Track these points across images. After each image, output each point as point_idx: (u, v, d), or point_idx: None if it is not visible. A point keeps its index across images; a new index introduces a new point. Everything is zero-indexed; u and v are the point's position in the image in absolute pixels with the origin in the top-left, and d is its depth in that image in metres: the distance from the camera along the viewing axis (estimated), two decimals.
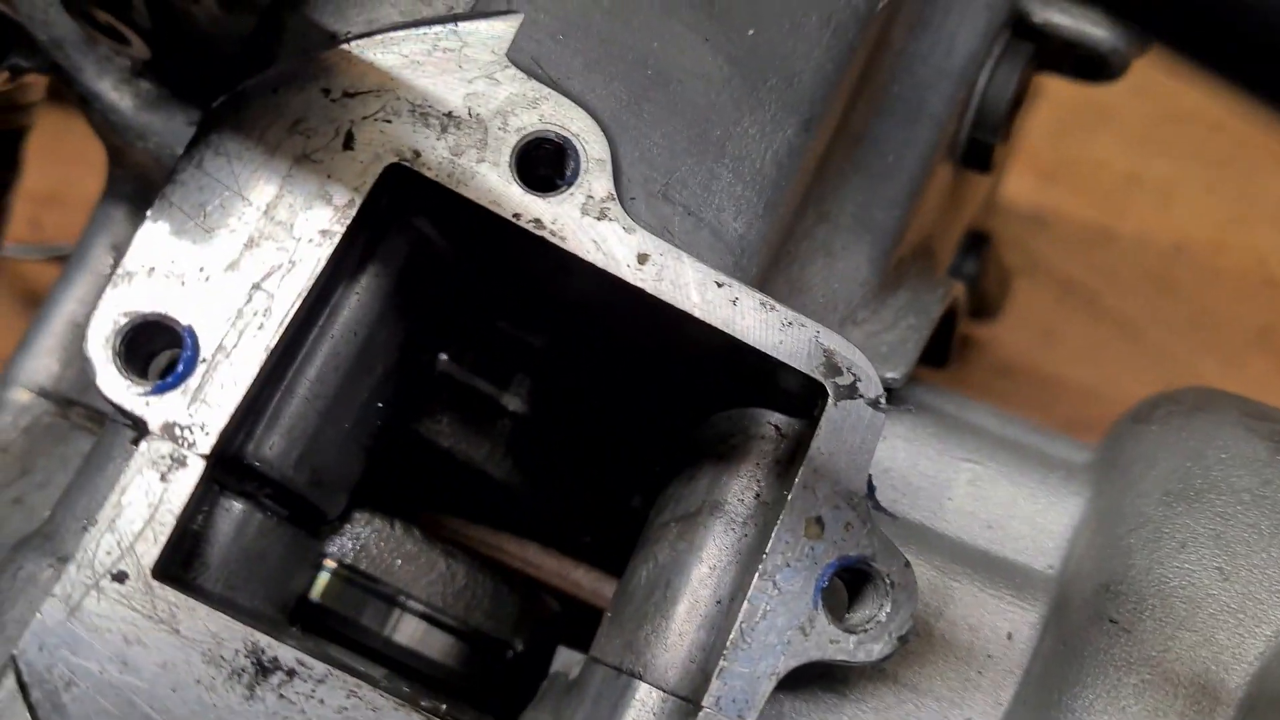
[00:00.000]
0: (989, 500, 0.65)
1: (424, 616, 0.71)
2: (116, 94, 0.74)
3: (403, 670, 0.70)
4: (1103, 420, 0.71)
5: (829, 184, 0.66)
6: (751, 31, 0.60)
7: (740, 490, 0.58)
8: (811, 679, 0.61)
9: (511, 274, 0.61)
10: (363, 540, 0.68)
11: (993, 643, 0.60)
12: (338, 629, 0.68)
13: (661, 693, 0.55)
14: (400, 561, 0.69)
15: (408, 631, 0.70)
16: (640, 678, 0.56)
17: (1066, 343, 1.19)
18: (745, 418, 0.60)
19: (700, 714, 0.52)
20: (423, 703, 0.56)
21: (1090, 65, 0.76)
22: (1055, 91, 0.92)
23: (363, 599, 0.69)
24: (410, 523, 0.69)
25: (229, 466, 0.55)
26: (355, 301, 0.57)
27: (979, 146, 0.73)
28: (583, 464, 0.76)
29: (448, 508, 0.79)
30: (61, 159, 0.94)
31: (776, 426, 0.58)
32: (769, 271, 0.62)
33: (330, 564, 0.68)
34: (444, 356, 0.72)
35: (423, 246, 0.59)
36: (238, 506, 0.55)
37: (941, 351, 0.88)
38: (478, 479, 0.72)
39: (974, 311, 1.09)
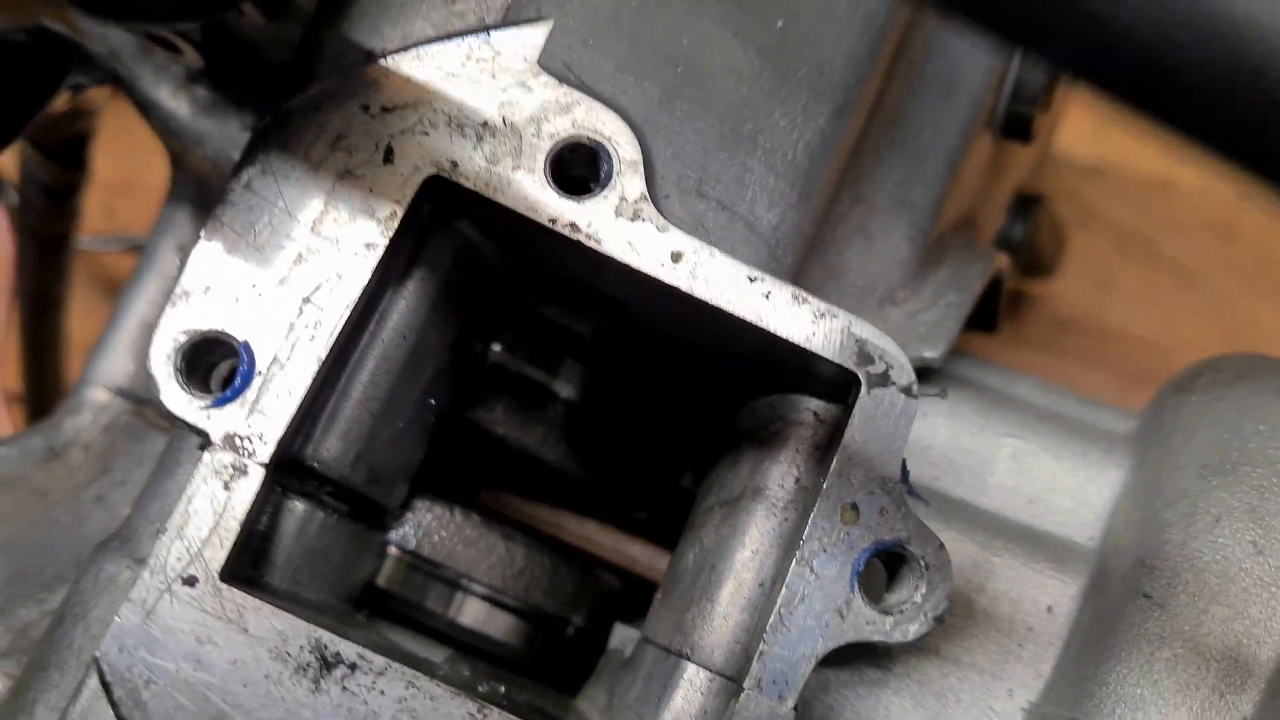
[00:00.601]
0: (1031, 474, 0.66)
1: (486, 598, 0.74)
2: (174, 101, 0.77)
3: (468, 649, 0.73)
4: (1161, 371, 0.71)
5: (864, 167, 0.66)
6: (781, 23, 0.60)
7: (780, 476, 0.59)
8: (856, 654, 0.63)
9: (554, 270, 0.62)
10: (424, 527, 0.71)
11: (1034, 616, 0.62)
12: (404, 612, 0.71)
13: (709, 672, 0.57)
14: (461, 546, 0.72)
15: (471, 612, 0.73)
16: (688, 658, 0.58)
17: (1124, 294, 1.19)
18: (785, 404, 0.61)
19: (741, 695, 0.54)
20: (480, 688, 0.59)
21: None
22: None
23: (427, 583, 0.72)
24: (469, 508, 0.72)
25: (290, 469, 0.58)
26: (403, 306, 0.60)
27: (1018, 118, 0.74)
28: (633, 446, 0.78)
29: (508, 488, 0.82)
30: (132, 148, 0.97)
31: (815, 413, 0.60)
32: (805, 259, 0.63)
33: (394, 551, 0.71)
34: (496, 347, 0.74)
35: (467, 249, 0.61)
36: (300, 507, 0.58)
37: (989, 318, 0.89)
38: (533, 462, 0.75)
39: (1028, 269, 1.09)
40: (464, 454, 0.73)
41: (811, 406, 0.60)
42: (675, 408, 0.73)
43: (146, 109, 0.78)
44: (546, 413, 0.75)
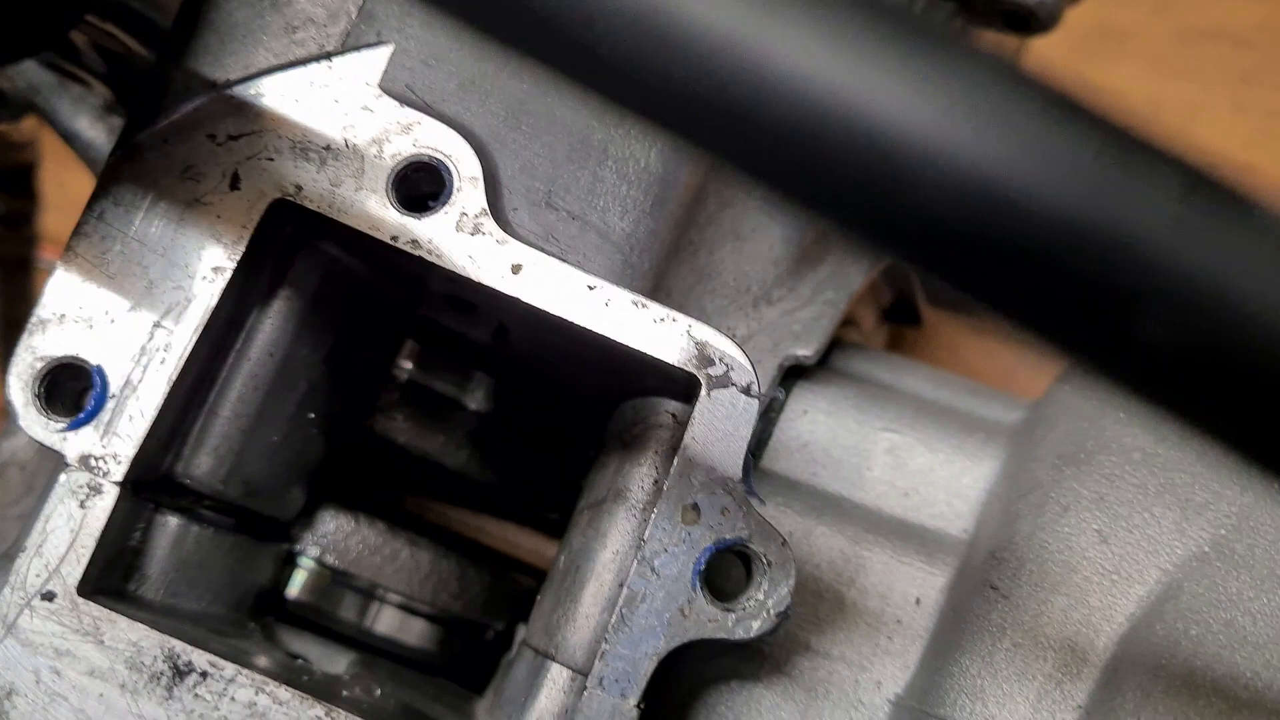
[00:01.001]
0: (906, 468, 0.66)
1: (401, 606, 0.76)
2: (92, 130, 0.80)
3: (384, 655, 0.75)
4: None
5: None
6: None
7: (640, 478, 0.61)
8: (731, 649, 0.64)
9: (420, 284, 0.64)
10: (328, 536, 0.73)
11: (902, 608, 0.62)
12: (317, 621, 0.73)
13: (571, 672, 0.59)
14: (366, 553, 0.74)
15: (386, 620, 0.75)
16: (553, 658, 0.60)
17: None
18: (646, 407, 0.63)
19: (584, 693, 0.55)
20: (349, 692, 0.61)
21: (1018, 19, 0.75)
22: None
23: (339, 592, 0.74)
24: (377, 515, 0.74)
25: (162, 486, 0.61)
26: (269, 325, 0.62)
27: None
28: (541, 451, 0.80)
29: (431, 495, 0.84)
30: None
31: (674, 415, 0.61)
32: (668, 262, 0.64)
33: (304, 561, 0.73)
34: (408, 364, 0.76)
35: (334, 267, 0.63)
36: (174, 521, 0.61)
37: (912, 312, 0.89)
38: (437, 469, 0.77)
39: None
40: (371, 462, 0.76)
41: (670, 409, 0.61)
42: (571, 412, 0.74)
43: (68, 138, 0.81)
44: (452, 421, 0.77)
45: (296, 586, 0.72)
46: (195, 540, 0.62)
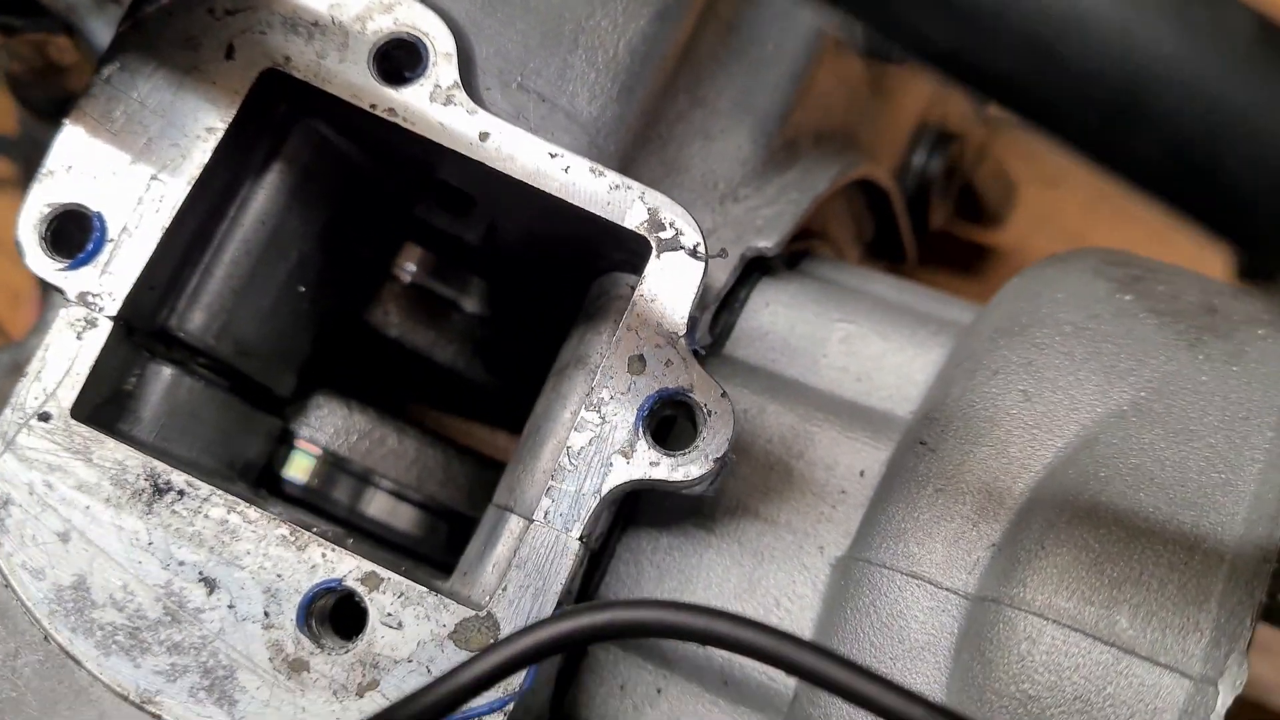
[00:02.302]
0: (859, 355, 0.70)
1: (392, 493, 0.80)
2: None
3: (376, 540, 0.79)
4: None
5: (704, 71, 0.71)
6: None
7: (600, 344, 0.65)
8: (683, 517, 0.68)
9: (407, 166, 0.69)
10: (322, 420, 0.78)
11: (847, 480, 0.66)
12: (310, 501, 0.78)
13: (526, 521, 0.62)
14: (356, 438, 0.79)
15: (377, 505, 0.80)
16: (512, 510, 0.63)
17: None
18: (609, 281, 0.67)
19: (530, 525, 0.59)
20: (317, 529, 0.65)
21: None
22: None
23: (333, 475, 0.79)
24: (365, 404, 0.79)
25: (158, 337, 0.66)
26: (262, 195, 0.67)
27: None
28: (532, 354, 0.84)
29: (420, 398, 0.88)
30: None
31: (632, 286, 0.65)
32: (635, 151, 0.68)
33: (299, 442, 0.78)
34: (411, 266, 0.81)
35: (325, 146, 0.68)
36: (167, 371, 0.66)
37: (897, 246, 0.92)
38: (429, 366, 0.81)
39: (976, 218, 1.11)
40: (364, 356, 0.80)
41: (630, 281, 0.65)
42: (556, 310, 0.78)
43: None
44: (447, 320, 0.81)
45: (291, 466, 0.77)
46: (188, 391, 0.66)
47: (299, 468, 0.77)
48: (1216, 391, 0.58)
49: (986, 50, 0.26)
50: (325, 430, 0.77)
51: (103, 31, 0.88)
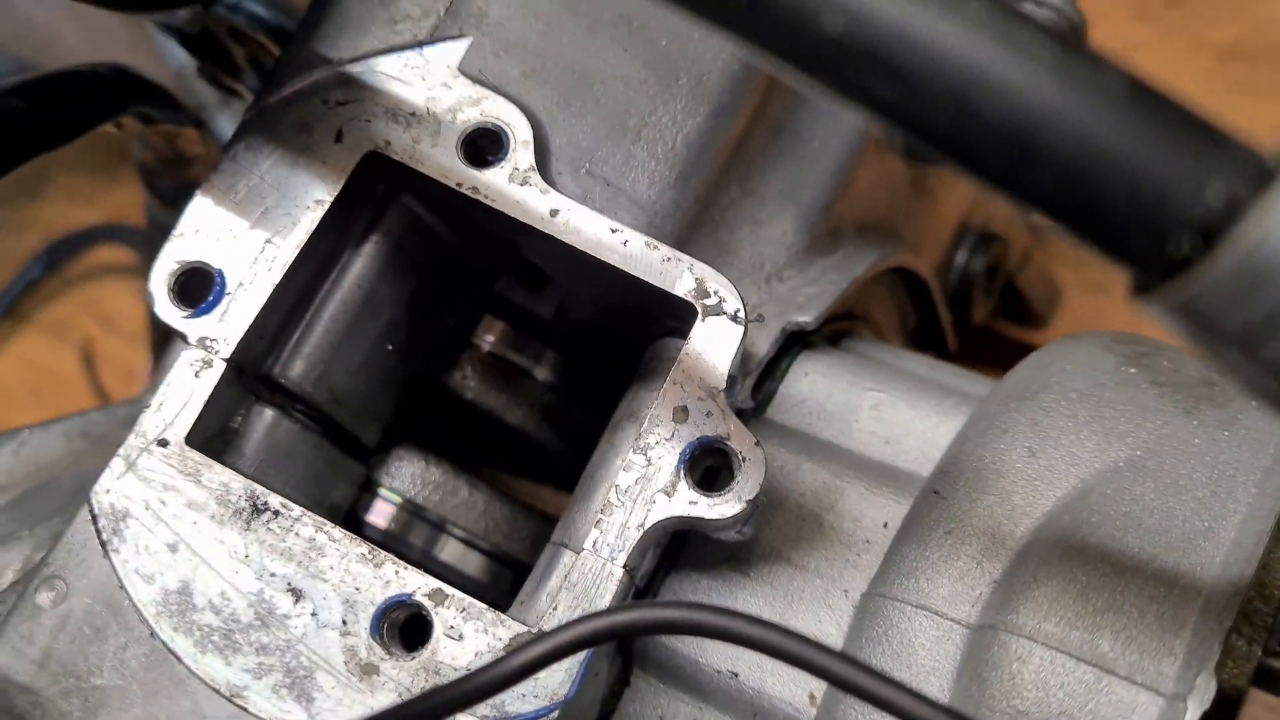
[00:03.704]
0: (888, 421, 0.76)
1: (461, 539, 0.88)
2: None
3: (446, 582, 0.86)
4: None
5: (753, 164, 0.80)
6: (664, 42, 0.76)
7: (649, 399, 0.72)
8: (721, 560, 0.74)
9: (488, 242, 0.78)
10: (403, 470, 0.86)
11: (871, 530, 0.72)
12: (388, 545, 0.86)
13: (576, 554, 0.69)
14: (432, 489, 0.86)
15: (449, 551, 0.88)
16: (567, 546, 0.71)
17: None
18: (661, 345, 0.74)
19: (580, 554, 0.66)
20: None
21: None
22: None
23: (410, 521, 0.87)
24: (441, 458, 0.87)
25: (263, 382, 0.75)
26: (359, 262, 0.76)
27: None
28: (598, 421, 0.91)
29: (498, 467, 0.96)
30: None
31: (680, 349, 0.73)
32: (690, 233, 0.77)
33: (382, 491, 0.86)
34: (490, 338, 0.90)
35: (416, 222, 0.77)
36: (269, 413, 0.74)
37: (938, 337, 0.99)
38: (502, 428, 0.89)
39: (1022, 319, 1.18)
40: (441, 416, 0.89)
41: (680, 345, 0.73)
42: (615, 375, 0.86)
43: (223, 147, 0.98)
44: (520, 386, 0.90)
45: (373, 511, 0.85)
46: (286, 432, 0.75)
47: (380, 513, 0.85)
48: (1207, 452, 0.63)
49: (916, 103, 0.33)
50: (404, 480, 0.85)
51: (226, 125, 1.00)
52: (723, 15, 0.35)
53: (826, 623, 0.70)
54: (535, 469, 0.96)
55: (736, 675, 0.70)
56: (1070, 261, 1.28)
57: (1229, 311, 0.35)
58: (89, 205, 1.70)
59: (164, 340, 1.24)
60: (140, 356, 1.60)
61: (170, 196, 1.12)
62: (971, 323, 1.06)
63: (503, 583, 0.88)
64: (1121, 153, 0.32)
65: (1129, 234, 0.34)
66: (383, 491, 0.86)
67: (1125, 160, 0.32)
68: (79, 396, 1.60)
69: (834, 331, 0.84)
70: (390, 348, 0.80)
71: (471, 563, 0.88)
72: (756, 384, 0.78)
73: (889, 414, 0.76)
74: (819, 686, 0.68)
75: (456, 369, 0.87)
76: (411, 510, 0.86)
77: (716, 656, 0.71)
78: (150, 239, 1.16)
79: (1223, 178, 0.34)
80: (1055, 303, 1.17)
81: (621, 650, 0.74)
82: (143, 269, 1.52)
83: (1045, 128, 0.32)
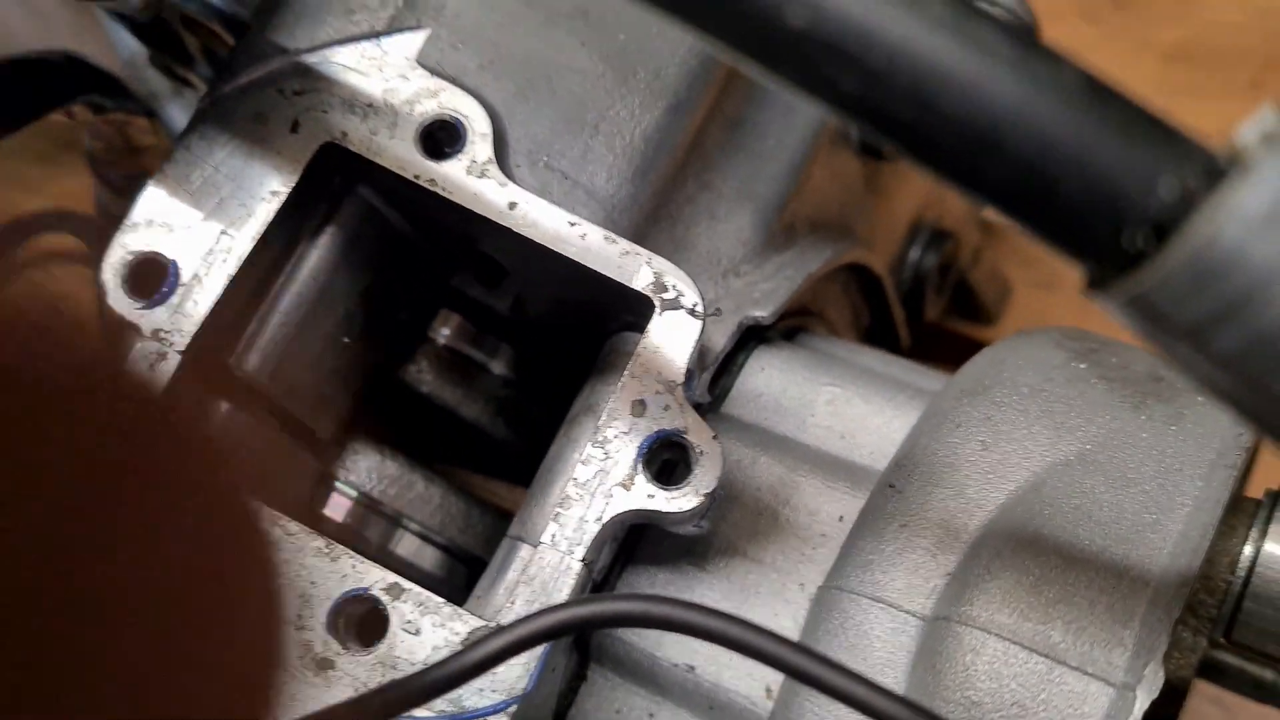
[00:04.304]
0: (843, 416, 0.77)
1: (417, 534, 0.88)
2: None
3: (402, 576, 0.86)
4: None
5: (710, 160, 0.80)
6: (622, 36, 0.76)
7: (607, 394, 0.72)
8: (678, 555, 0.74)
9: (445, 235, 0.78)
10: (359, 464, 0.85)
11: (827, 524, 0.72)
12: (345, 540, 0.85)
13: (533, 548, 0.69)
14: (388, 483, 0.86)
15: (405, 546, 0.87)
16: (523, 540, 0.71)
17: None
18: (618, 340, 0.75)
19: (537, 548, 0.66)
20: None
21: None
22: None
23: (366, 516, 0.86)
24: (397, 451, 0.87)
25: (220, 378, 0.74)
26: (315, 255, 0.75)
27: None
28: (553, 415, 0.91)
29: (446, 457, 0.96)
30: None
31: (637, 343, 0.73)
32: (647, 227, 0.77)
33: (338, 484, 0.86)
34: (446, 331, 0.90)
35: (372, 213, 0.77)
36: (224, 405, 0.74)
37: (891, 335, 1.00)
38: (457, 422, 0.89)
39: (972, 315, 1.19)
40: (397, 410, 0.88)
41: (637, 339, 0.73)
42: (571, 370, 0.86)
43: (175, 137, 0.97)
44: (476, 380, 0.89)
45: (329, 506, 0.85)
46: (245, 427, 0.74)
47: (336, 507, 0.85)
48: (1155, 446, 0.65)
49: (881, 97, 0.34)
50: (360, 473, 0.85)
51: (178, 115, 0.98)
52: (687, 9, 0.35)
53: (783, 616, 0.70)
54: (490, 464, 0.96)
55: (693, 669, 0.71)
56: (1019, 259, 1.30)
57: (1181, 305, 0.36)
58: (34, 193, 1.67)
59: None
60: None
61: (120, 186, 1.10)
62: (924, 319, 1.07)
63: (458, 578, 0.88)
64: (1078, 148, 0.33)
65: (1084, 228, 0.34)
66: (339, 485, 0.86)
67: (1081, 155, 0.33)
68: None
69: (789, 327, 0.85)
70: (346, 340, 0.79)
71: (427, 557, 0.87)
72: (713, 379, 0.78)
73: (844, 409, 0.77)
74: (776, 680, 0.69)
75: (412, 363, 0.87)
76: (367, 504, 0.86)
77: (673, 650, 0.71)
78: (100, 228, 1.14)
79: (1176, 174, 0.35)
80: (1005, 300, 1.19)
81: (578, 645, 0.74)
82: (91, 258, 1.49)
83: (1004, 122, 0.33)
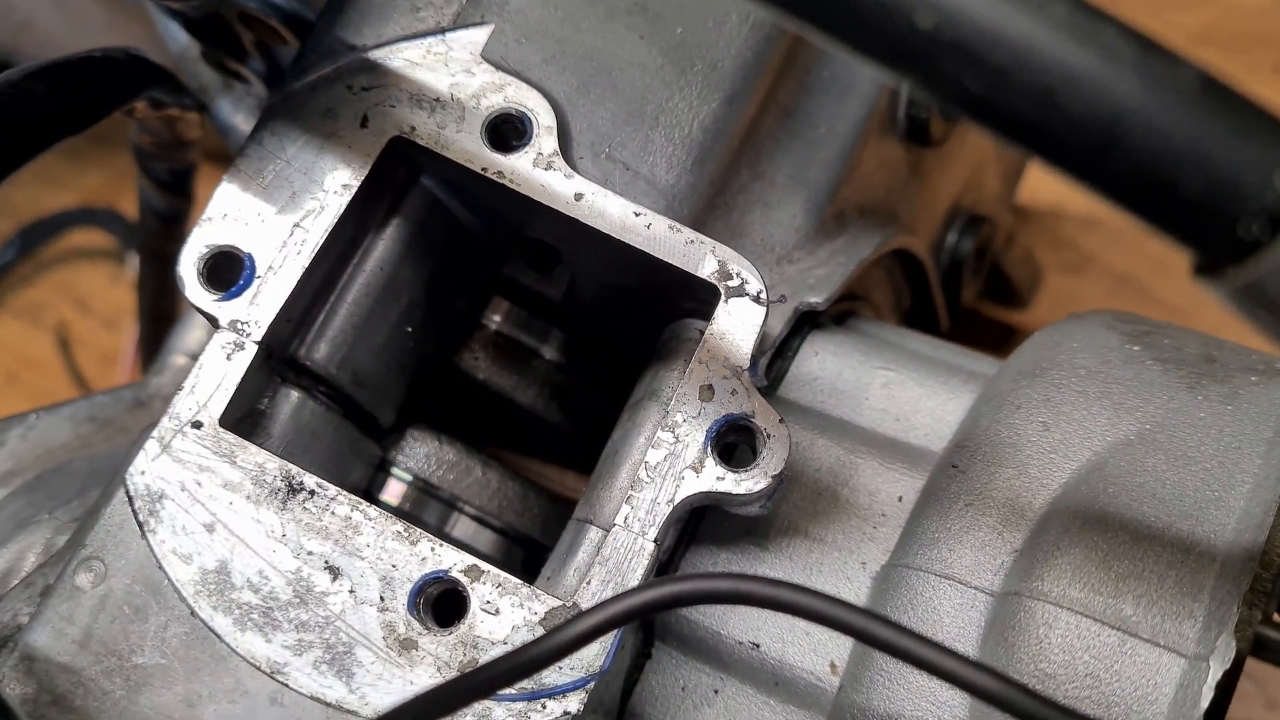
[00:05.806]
0: (898, 399, 0.79)
1: (474, 517, 0.89)
2: (246, 125, 0.98)
3: None
4: None
5: (763, 149, 0.82)
6: (680, 29, 0.77)
7: (671, 379, 0.74)
8: (739, 535, 0.76)
9: (505, 225, 0.79)
10: (416, 450, 0.87)
11: (887, 504, 0.74)
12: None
13: (604, 530, 0.71)
14: (445, 469, 0.88)
15: (462, 529, 0.89)
16: (592, 523, 0.72)
17: None
18: (681, 326, 0.76)
19: (611, 531, 0.68)
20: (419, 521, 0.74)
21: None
22: None
23: (423, 500, 0.88)
24: (454, 438, 0.88)
25: (289, 365, 0.75)
26: (382, 246, 0.77)
27: (915, 122, 0.88)
28: (606, 401, 0.93)
29: (504, 445, 0.98)
30: None
31: (700, 330, 0.74)
32: (705, 215, 0.79)
33: (396, 470, 0.87)
34: (496, 317, 0.91)
35: (436, 205, 0.78)
36: (295, 395, 0.75)
37: (930, 318, 1.02)
38: (512, 408, 0.91)
39: (1004, 299, 1.21)
40: (453, 397, 0.90)
41: (699, 325, 0.75)
42: (624, 355, 0.88)
43: (225, 133, 0.99)
44: (529, 366, 0.91)
45: (386, 490, 0.86)
46: (311, 413, 0.76)
47: (393, 492, 0.86)
48: (1212, 426, 0.66)
49: (1006, 97, 0.35)
50: (418, 459, 0.86)
51: (227, 109, 1.00)
52: (815, 14, 0.37)
53: (845, 594, 0.72)
54: (543, 448, 0.98)
55: (758, 646, 0.73)
56: (1050, 243, 1.31)
57: None
58: (61, 189, 1.68)
59: (155, 324, 1.24)
60: (117, 340, 1.59)
61: (165, 180, 1.11)
62: (961, 303, 1.08)
63: (514, 560, 0.90)
64: (1197, 144, 0.35)
65: (1201, 219, 0.36)
66: (396, 471, 0.87)
67: (1201, 151, 0.35)
68: (55, 380, 1.59)
69: (839, 312, 0.87)
70: (409, 329, 0.81)
71: (484, 540, 0.89)
72: (769, 363, 0.80)
73: (898, 392, 0.79)
74: (840, 655, 0.71)
75: (468, 350, 0.89)
76: (423, 489, 0.88)
77: (738, 628, 0.73)
78: (140, 223, 1.16)
79: None
80: (1037, 283, 1.21)
81: (644, 624, 0.76)
82: (120, 252, 1.51)
83: (1127, 120, 0.35)
